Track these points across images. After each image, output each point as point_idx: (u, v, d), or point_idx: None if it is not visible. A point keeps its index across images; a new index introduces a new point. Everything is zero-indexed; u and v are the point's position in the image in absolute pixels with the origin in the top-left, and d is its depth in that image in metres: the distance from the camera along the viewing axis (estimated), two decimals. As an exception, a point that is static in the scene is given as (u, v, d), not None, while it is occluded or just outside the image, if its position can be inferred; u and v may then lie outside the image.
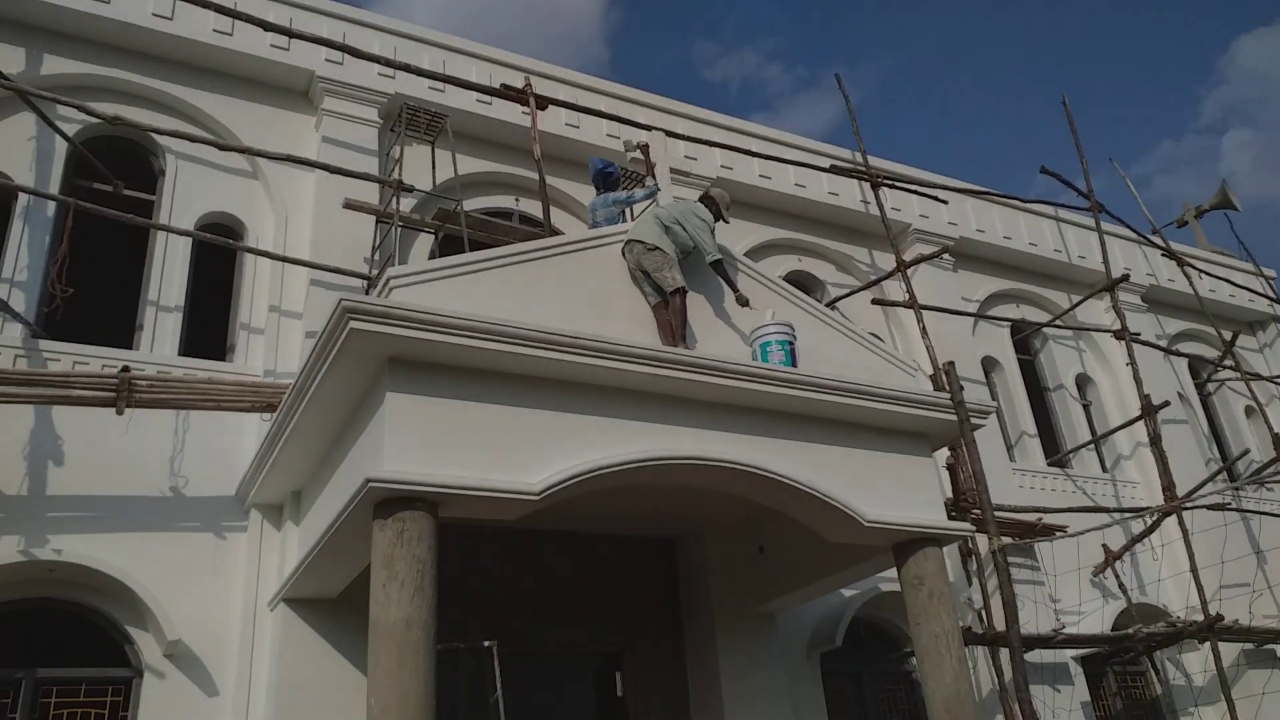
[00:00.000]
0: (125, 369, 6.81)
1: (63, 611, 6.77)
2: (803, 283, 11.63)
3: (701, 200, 7.25)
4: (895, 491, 6.92)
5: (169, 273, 8.20)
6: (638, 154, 8.23)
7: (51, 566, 6.60)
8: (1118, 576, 10.81)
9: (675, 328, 6.51)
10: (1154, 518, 10.95)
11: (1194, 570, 10.11)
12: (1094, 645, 9.92)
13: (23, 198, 7.80)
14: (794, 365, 6.72)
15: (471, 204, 9.59)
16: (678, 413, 6.27)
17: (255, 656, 6.90)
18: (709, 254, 6.82)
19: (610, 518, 8.22)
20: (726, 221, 7.33)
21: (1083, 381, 13.41)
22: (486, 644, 6.71)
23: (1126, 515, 11.15)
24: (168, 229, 8.02)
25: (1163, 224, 14.63)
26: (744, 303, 6.91)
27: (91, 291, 8.18)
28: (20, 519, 6.71)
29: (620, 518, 8.29)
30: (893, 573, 7.20)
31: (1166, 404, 11.76)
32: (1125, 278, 12.70)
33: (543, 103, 9.63)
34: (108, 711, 6.61)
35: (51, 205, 7.83)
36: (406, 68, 9.16)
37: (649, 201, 8.45)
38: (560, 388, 5.89)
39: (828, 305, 10.72)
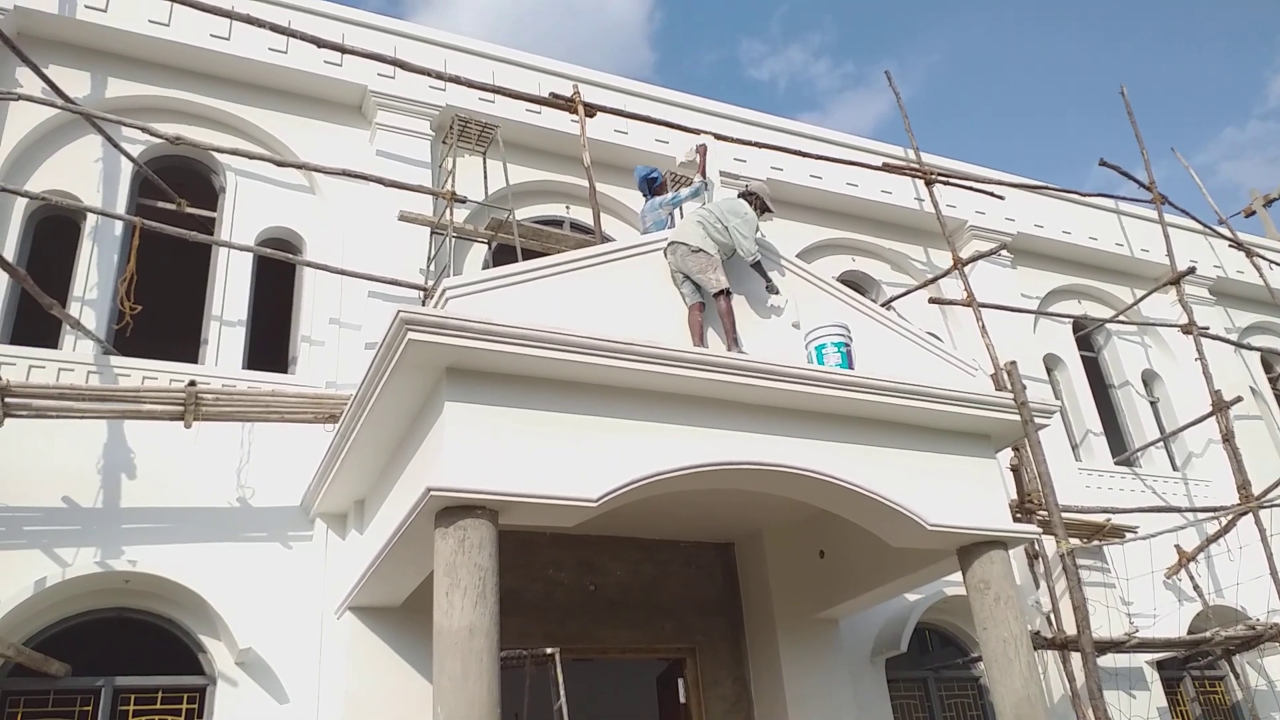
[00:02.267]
0: (192, 383, 6.96)
1: (138, 621, 6.95)
2: (857, 283, 11.51)
3: (742, 197, 7.20)
4: (958, 494, 6.79)
5: (232, 288, 8.39)
6: (694, 157, 8.23)
7: (127, 577, 6.78)
8: (1192, 578, 10.49)
9: (726, 330, 6.47)
10: (1229, 517, 10.60)
11: (1273, 571, 9.77)
12: (1169, 649, 9.62)
13: (91, 218, 8.04)
14: (850, 367, 6.64)
15: (523, 213, 9.66)
16: (735, 417, 6.23)
17: (324, 664, 7.01)
18: (748, 255, 6.75)
19: (668, 522, 8.20)
20: (772, 212, 7.27)
21: (1149, 378, 13.05)
22: (549, 651, 6.73)
23: (1200, 517, 10.80)
24: (229, 245, 8.20)
25: (1229, 214, 14.21)
26: (773, 290, 6.86)
27: (158, 308, 8.39)
28: (96, 531, 6.90)
29: (679, 522, 8.26)
30: (958, 576, 7.07)
31: (1239, 399, 11.41)
32: (1191, 270, 12.34)
33: (591, 110, 9.67)
34: (183, 718, 6.76)
35: (119, 225, 8.06)
36: (457, 80, 9.25)
37: (696, 200, 8.43)
38: (616, 394, 5.89)
39: (883, 305, 10.58)
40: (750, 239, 6.80)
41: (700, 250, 6.58)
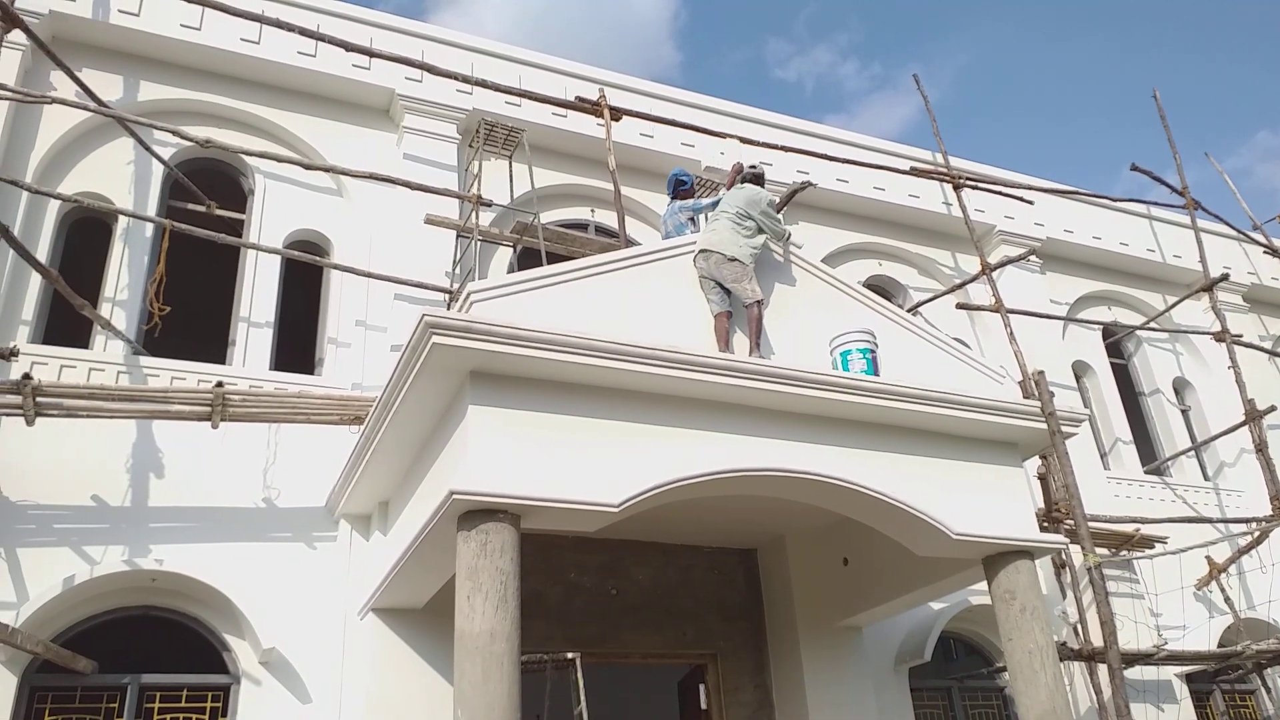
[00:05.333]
0: (219, 384, 7.03)
1: (164, 619, 7.02)
2: (884, 288, 11.43)
3: (748, 181, 7.28)
4: (984, 503, 6.72)
5: (260, 290, 8.46)
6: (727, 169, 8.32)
7: (153, 576, 6.86)
8: (1223, 590, 10.31)
9: (752, 334, 6.51)
10: (1261, 529, 10.41)
11: (1306, 584, 9.60)
12: (1199, 663, 9.47)
13: (122, 220, 8.14)
14: (876, 374, 6.59)
15: (548, 217, 9.68)
16: (758, 424, 6.21)
17: (346, 665, 7.05)
18: (780, 237, 7.02)
19: (691, 527, 8.18)
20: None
21: (1180, 385, 12.86)
22: (570, 655, 6.73)
23: (1234, 531, 10.61)
24: (258, 247, 8.28)
25: (1264, 218, 13.92)
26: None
27: (187, 309, 8.48)
28: (124, 530, 6.99)
29: (701, 527, 8.24)
30: (983, 585, 7.00)
31: (1272, 408, 11.19)
32: (1225, 277, 12.16)
33: (617, 114, 9.66)
34: (208, 716, 6.82)
35: (149, 226, 8.16)
36: (483, 83, 9.28)
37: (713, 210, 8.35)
38: (640, 399, 5.88)
39: (910, 311, 10.50)
40: (777, 221, 7.04)
41: (735, 260, 6.60)
